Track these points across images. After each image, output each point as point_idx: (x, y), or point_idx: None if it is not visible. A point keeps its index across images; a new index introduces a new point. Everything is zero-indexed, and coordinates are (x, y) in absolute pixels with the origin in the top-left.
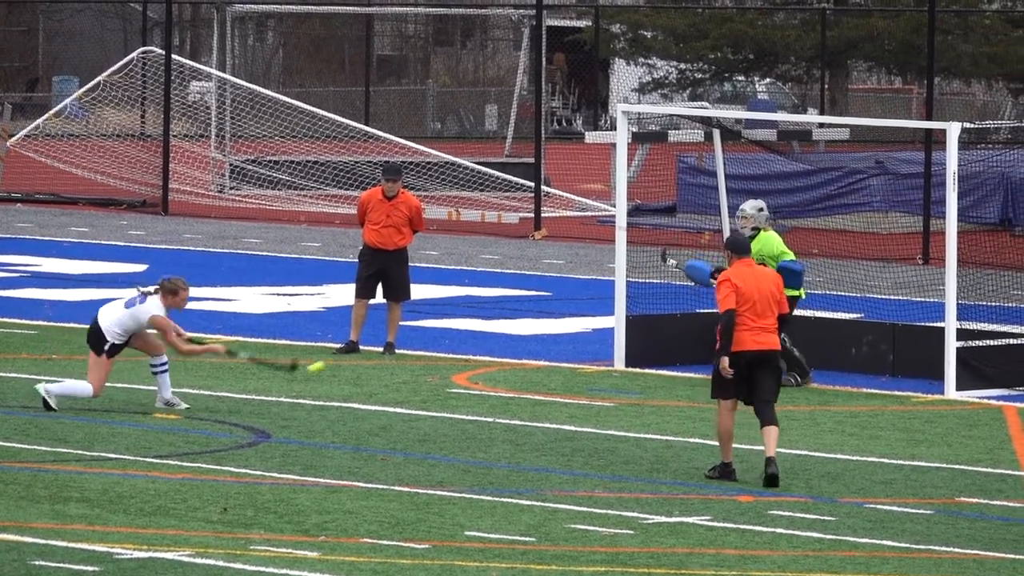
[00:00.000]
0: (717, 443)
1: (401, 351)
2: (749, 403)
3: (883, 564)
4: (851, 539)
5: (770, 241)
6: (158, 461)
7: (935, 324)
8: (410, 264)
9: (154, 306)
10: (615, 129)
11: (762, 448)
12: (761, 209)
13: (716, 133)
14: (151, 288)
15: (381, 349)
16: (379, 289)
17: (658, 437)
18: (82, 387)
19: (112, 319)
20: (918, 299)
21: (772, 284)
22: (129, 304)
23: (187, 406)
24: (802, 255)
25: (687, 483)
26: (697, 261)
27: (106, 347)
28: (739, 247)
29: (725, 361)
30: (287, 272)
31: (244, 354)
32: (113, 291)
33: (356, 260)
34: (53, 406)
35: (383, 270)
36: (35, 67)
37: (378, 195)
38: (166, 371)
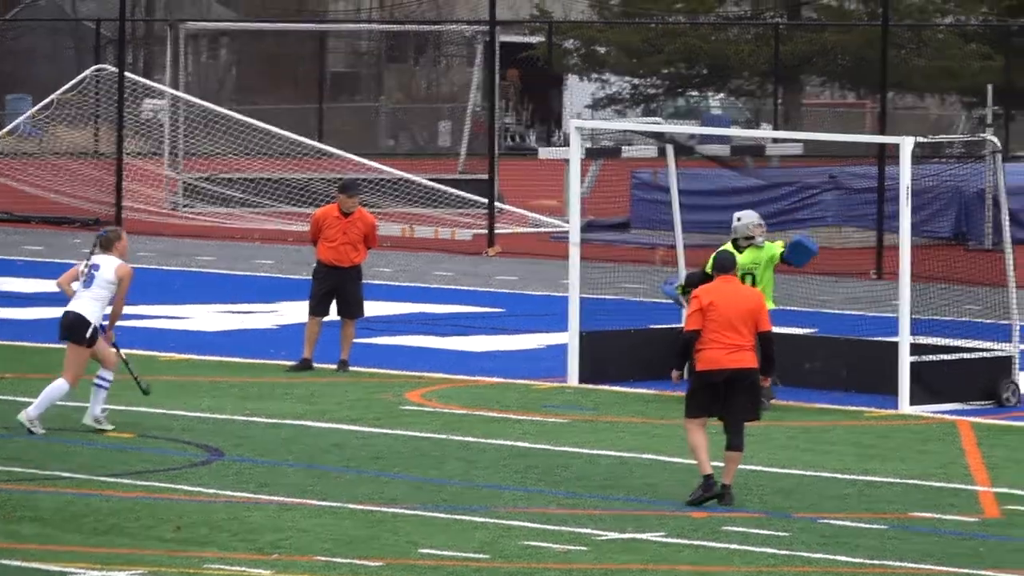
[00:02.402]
0: (689, 459)
1: (355, 368)
2: (721, 418)
3: None
4: (805, 554)
5: (770, 249)
6: (112, 480)
7: (888, 339)
8: (363, 281)
9: (110, 262)
10: (568, 145)
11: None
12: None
13: (669, 149)
14: (90, 257)
15: (335, 366)
16: (332, 306)
17: (612, 453)
18: (58, 388)
19: (88, 304)
20: (871, 314)
21: (752, 303)
22: (87, 284)
23: (112, 427)
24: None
25: (641, 499)
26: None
27: (88, 332)
28: (723, 264)
29: (676, 374)
30: (240, 289)
31: (124, 352)
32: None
33: (309, 277)
34: (38, 431)
35: (337, 287)
36: None
37: (334, 212)
38: (107, 388)
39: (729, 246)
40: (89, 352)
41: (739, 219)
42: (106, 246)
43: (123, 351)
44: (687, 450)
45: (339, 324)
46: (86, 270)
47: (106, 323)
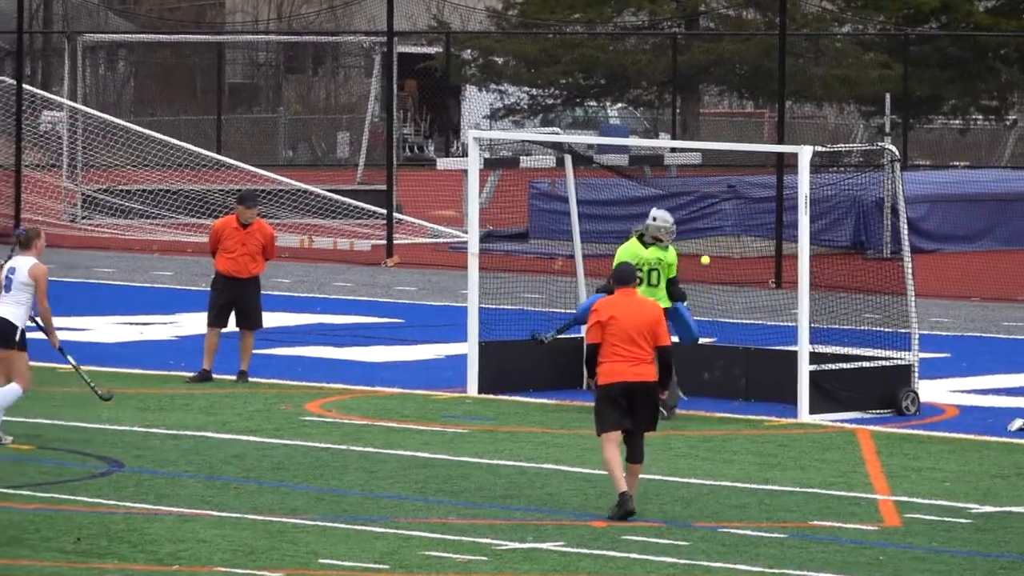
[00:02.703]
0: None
1: (254, 379)
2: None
3: None
4: (705, 563)
5: (673, 252)
6: (11, 491)
7: (788, 348)
8: (262, 292)
9: (25, 263)
10: (467, 155)
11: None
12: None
13: (568, 159)
14: (9, 256)
15: (234, 377)
16: (231, 317)
17: (512, 463)
18: (11, 392)
19: (11, 308)
20: (771, 323)
21: (651, 315)
22: (7, 288)
23: (11, 439)
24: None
25: (541, 509)
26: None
27: (17, 336)
28: (622, 277)
29: (589, 381)
30: (140, 301)
31: (72, 359)
32: None
33: (209, 288)
34: (5, 441)
35: (236, 298)
36: None
37: (233, 223)
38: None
39: (634, 240)
40: (24, 354)
41: (654, 219)
42: (25, 244)
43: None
44: (587, 460)
45: (238, 335)
46: (5, 273)
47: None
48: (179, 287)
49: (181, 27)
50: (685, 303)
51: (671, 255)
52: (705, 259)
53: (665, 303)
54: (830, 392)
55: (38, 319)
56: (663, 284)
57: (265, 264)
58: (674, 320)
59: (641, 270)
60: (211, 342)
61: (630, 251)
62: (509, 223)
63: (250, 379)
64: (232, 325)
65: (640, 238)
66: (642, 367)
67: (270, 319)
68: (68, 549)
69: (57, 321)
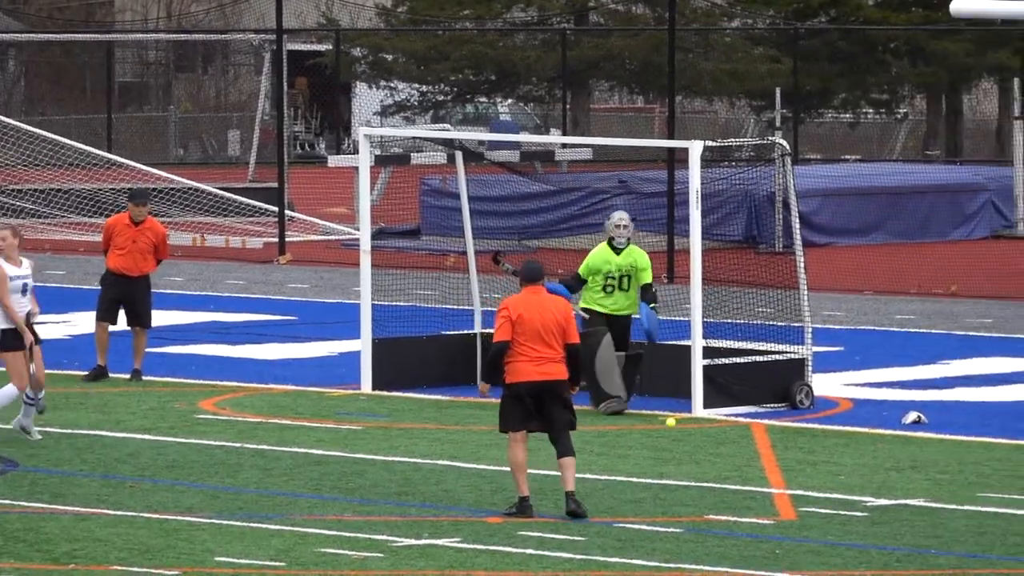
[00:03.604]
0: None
1: (148, 378)
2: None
3: None
4: (601, 559)
5: (642, 254)
6: None
7: (681, 343)
8: (154, 290)
9: None
10: (357, 153)
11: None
12: (633, 219)
13: (459, 155)
14: None
15: (128, 376)
16: (122, 315)
17: (406, 460)
18: (7, 392)
19: None
20: (664, 318)
21: (559, 313)
22: None
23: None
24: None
25: (436, 505)
26: (553, 284)
27: None
28: (529, 274)
29: (483, 386)
30: None
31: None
32: None
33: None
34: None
35: (126, 296)
36: None
37: (124, 220)
38: None
39: (604, 245)
40: (7, 354)
41: (608, 218)
42: None
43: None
44: (481, 455)
45: (131, 334)
46: None
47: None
48: (71, 286)
49: (70, 26)
50: (652, 305)
51: (643, 259)
52: (671, 421)
53: (633, 310)
54: (724, 386)
55: None
56: (633, 289)
57: (157, 263)
58: (650, 321)
59: (612, 276)
60: (101, 337)
61: (600, 256)
62: (401, 220)
63: (144, 377)
64: (124, 323)
65: (611, 242)
66: (549, 366)
67: (163, 317)
68: None
69: None
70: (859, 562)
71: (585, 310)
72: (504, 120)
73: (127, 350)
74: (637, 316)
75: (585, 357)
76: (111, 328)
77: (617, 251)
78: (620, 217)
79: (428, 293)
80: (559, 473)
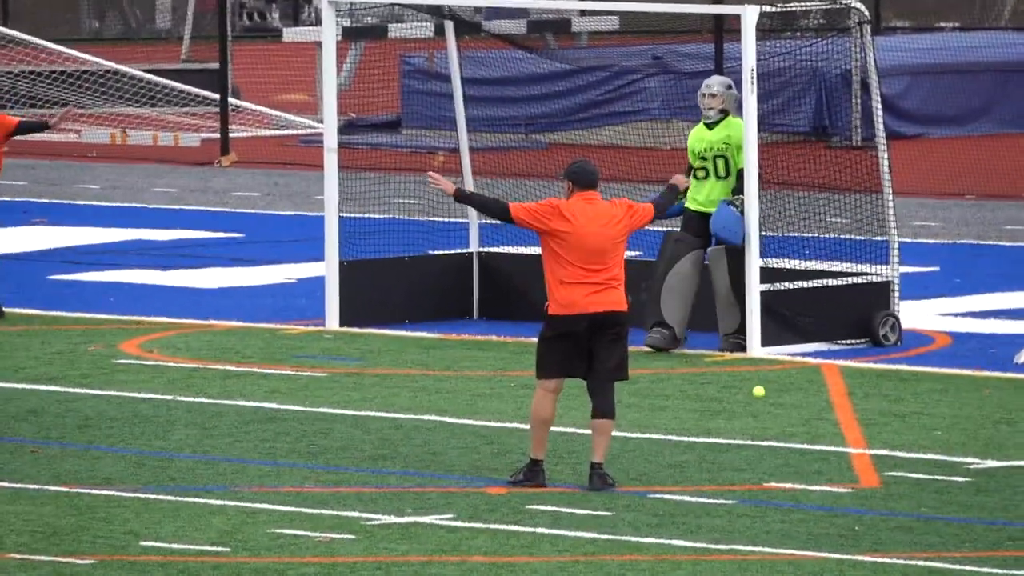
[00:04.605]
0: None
1: (54, 312)
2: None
3: (674, 569)
4: (632, 539)
5: (740, 128)
6: None
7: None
8: (63, 200)
9: None
10: (320, 23)
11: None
12: (730, 87)
13: (449, 26)
14: None
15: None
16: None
17: (384, 415)
18: None
19: None
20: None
21: (618, 226)
22: None
23: None
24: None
25: (422, 473)
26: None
27: None
28: (582, 177)
29: (447, 185)
30: None
31: None
32: None
33: None
34: None
35: None
36: None
37: None
38: None
39: (701, 124)
40: None
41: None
42: None
43: None
44: (479, 409)
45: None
46: None
47: None
48: None
49: None
50: (737, 206)
51: (734, 129)
52: (759, 390)
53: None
54: (788, 318)
55: None
56: (733, 174)
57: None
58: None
59: (704, 158)
60: None
61: (692, 134)
62: (376, 109)
63: (20, 311)
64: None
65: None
66: (607, 294)
67: (74, 235)
68: None
69: None
70: (961, 540)
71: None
72: None
73: (28, 277)
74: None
75: (656, 272)
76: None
77: (709, 127)
78: (706, 84)
79: (411, 203)
80: (588, 433)
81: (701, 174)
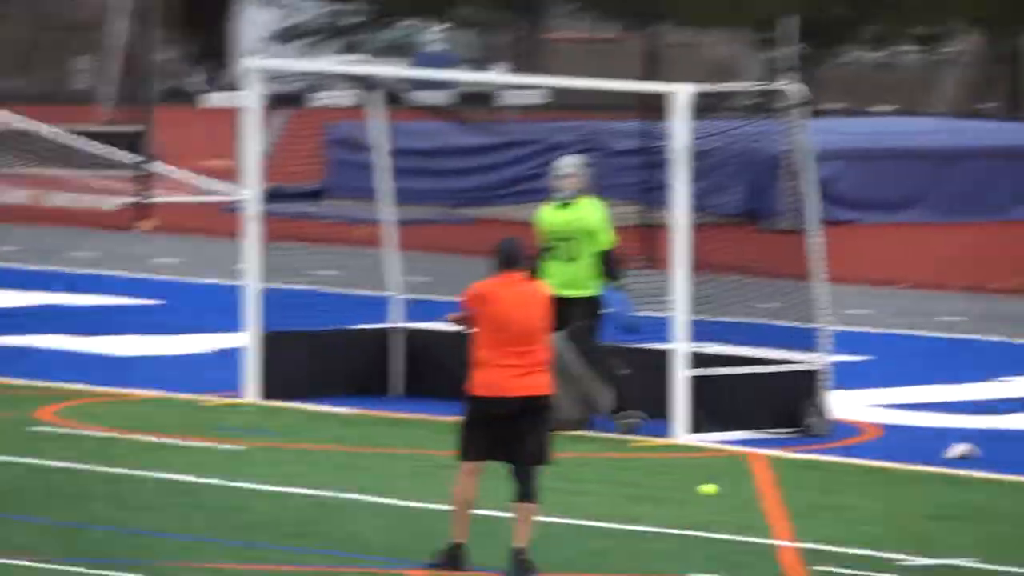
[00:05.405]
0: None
1: None
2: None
3: None
4: None
5: (597, 209)
6: None
7: (660, 346)
8: None
9: None
10: (242, 89)
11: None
12: (589, 165)
13: (376, 96)
14: None
15: None
16: None
17: (304, 491)
18: None
19: None
20: (641, 313)
21: (543, 309)
22: None
23: None
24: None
25: (340, 552)
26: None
27: None
28: (509, 256)
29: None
30: None
31: None
32: None
33: None
34: None
35: None
36: None
37: None
38: None
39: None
40: None
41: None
42: None
43: None
44: (398, 488)
45: None
46: None
47: None
48: None
49: None
50: (618, 285)
51: (593, 215)
52: (709, 488)
53: (583, 290)
54: (715, 405)
55: None
56: (584, 258)
57: None
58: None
59: (552, 239)
60: None
61: (541, 214)
62: (300, 177)
63: None
64: None
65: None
66: (533, 378)
67: None
68: None
69: None
70: None
71: None
72: (435, 51)
73: None
74: (585, 295)
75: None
76: None
77: (561, 208)
78: (564, 163)
79: (331, 275)
80: (511, 516)
81: (550, 256)
